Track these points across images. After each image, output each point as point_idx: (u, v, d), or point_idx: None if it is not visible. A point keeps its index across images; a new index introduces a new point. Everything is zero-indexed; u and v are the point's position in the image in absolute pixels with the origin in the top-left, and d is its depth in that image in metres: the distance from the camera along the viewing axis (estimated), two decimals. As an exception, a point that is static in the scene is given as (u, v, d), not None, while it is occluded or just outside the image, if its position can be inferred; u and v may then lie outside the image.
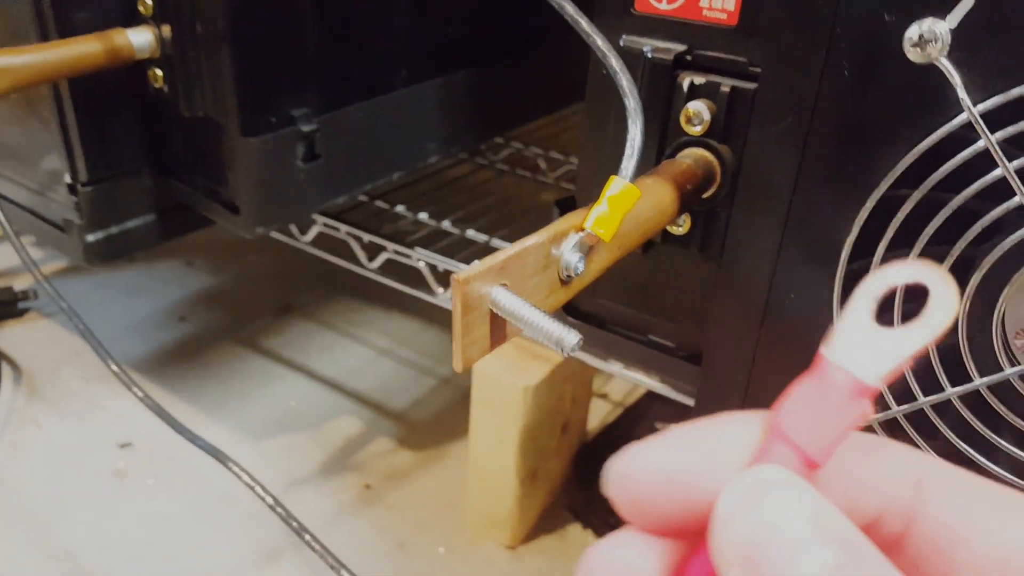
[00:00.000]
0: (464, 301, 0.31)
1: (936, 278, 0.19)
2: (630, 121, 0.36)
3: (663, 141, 0.46)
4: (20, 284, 1.09)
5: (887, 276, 0.19)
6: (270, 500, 0.66)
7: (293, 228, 0.90)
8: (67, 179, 0.70)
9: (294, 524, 0.65)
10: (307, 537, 0.65)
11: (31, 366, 1.00)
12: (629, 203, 0.35)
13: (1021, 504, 0.19)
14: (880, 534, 0.20)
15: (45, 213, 0.76)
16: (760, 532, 0.17)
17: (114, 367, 0.65)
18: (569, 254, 0.36)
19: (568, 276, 0.36)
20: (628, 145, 0.35)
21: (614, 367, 0.74)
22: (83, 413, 0.93)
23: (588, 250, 0.36)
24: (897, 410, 0.41)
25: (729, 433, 0.20)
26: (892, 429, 0.42)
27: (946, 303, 0.18)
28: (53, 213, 0.75)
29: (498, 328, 0.34)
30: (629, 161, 0.35)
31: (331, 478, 0.87)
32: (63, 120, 0.68)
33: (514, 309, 0.32)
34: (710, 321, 0.46)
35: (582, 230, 0.36)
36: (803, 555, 0.16)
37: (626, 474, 0.20)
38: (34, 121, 0.72)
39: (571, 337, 0.31)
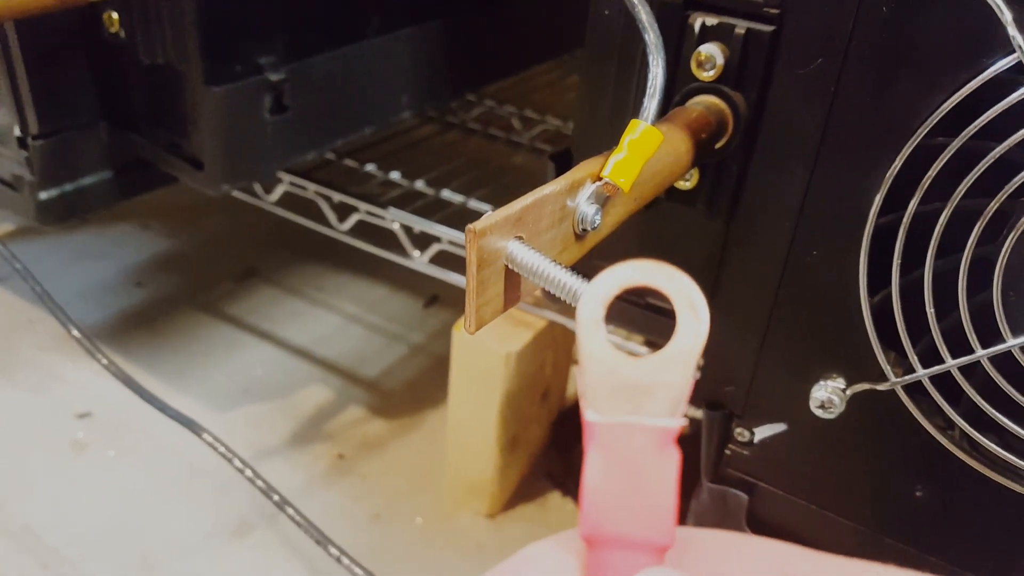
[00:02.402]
0: (479, 255, 0.28)
1: (673, 284, 0.15)
2: (651, 57, 0.33)
3: (672, 87, 0.43)
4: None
5: (603, 291, 0.16)
6: (249, 472, 0.62)
7: (257, 187, 0.85)
8: (17, 132, 0.65)
9: (275, 497, 0.61)
10: (289, 511, 0.61)
11: (-21, 334, 0.95)
12: (651, 148, 0.32)
13: None
14: None
15: (-8, 170, 0.71)
16: None
17: (75, 332, 0.60)
18: (585, 205, 0.33)
19: (583, 230, 0.33)
20: (649, 84, 0.32)
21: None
22: (39, 383, 0.88)
23: (604, 201, 0.33)
24: (923, 373, 0.38)
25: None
26: (914, 392, 0.40)
27: (688, 308, 0.15)
28: (3, 169, 0.69)
29: (512, 286, 0.30)
30: (651, 101, 0.32)
31: (302, 448, 0.83)
32: (11, 68, 0.63)
33: (533, 264, 0.29)
34: (721, 282, 0.44)
35: (599, 179, 0.33)
36: None
37: None
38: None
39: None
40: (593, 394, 0.15)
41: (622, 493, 0.15)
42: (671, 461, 0.15)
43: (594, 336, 0.15)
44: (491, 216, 0.28)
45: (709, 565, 0.17)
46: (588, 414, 0.16)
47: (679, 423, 0.15)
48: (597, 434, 0.15)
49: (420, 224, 0.76)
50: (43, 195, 0.67)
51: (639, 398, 0.15)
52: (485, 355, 0.70)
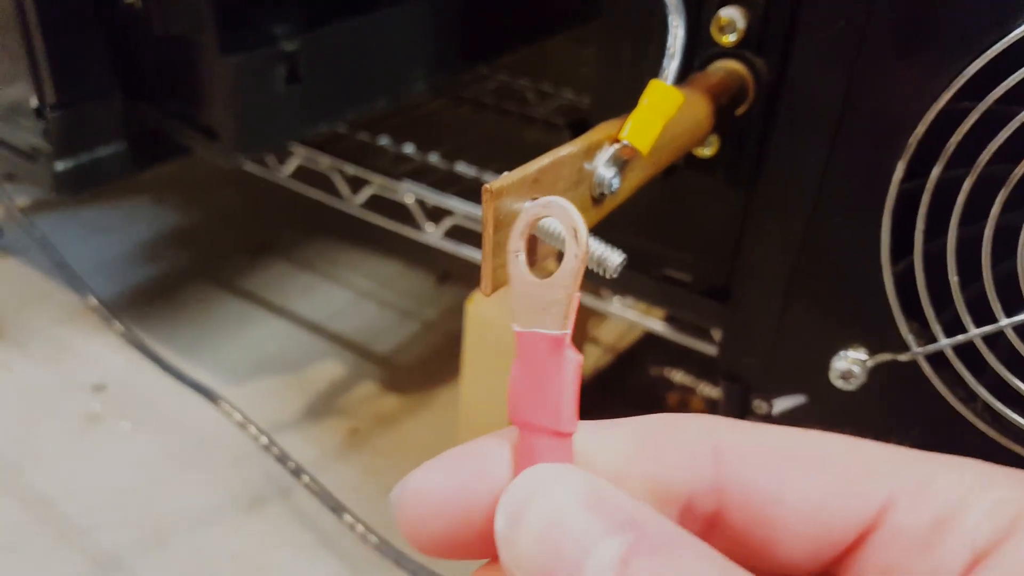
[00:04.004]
0: (495, 216, 0.27)
1: (564, 215, 0.19)
2: (670, 17, 0.32)
3: (692, 53, 0.42)
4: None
5: (519, 226, 0.20)
6: (264, 440, 0.62)
7: (270, 160, 0.85)
8: (34, 103, 0.65)
9: (290, 464, 0.61)
10: (304, 478, 0.61)
11: (-3, 307, 0.95)
12: (671, 109, 0.32)
13: (813, 446, 0.19)
14: (696, 518, 0.19)
15: (11, 140, 0.71)
16: (542, 544, 0.16)
17: (93, 300, 0.60)
18: (603, 169, 0.32)
19: (601, 194, 0.33)
20: (669, 43, 0.32)
21: (613, 306, 0.71)
22: (53, 355, 0.89)
23: (623, 165, 0.33)
24: (946, 342, 0.38)
25: (497, 444, 0.19)
26: (936, 364, 0.39)
27: (571, 234, 0.18)
28: (19, 140, 0.69)
29: (530, 248, 0.30)
30: (671, 62, 0.32)
31: (315, 423, 0.83)
32: (29, 39, 0.63)
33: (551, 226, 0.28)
34: (741, 250, 0.43)
35: (617, 141, 0.32)
36: (590, 554, 0.16)
37: (408, 496, 0.20)
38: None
39: (615, 256, 0.28)
40: (515, 310, 0.19)
41: (531, 387, 0.19)
42: (569, 363, 0.19)
43: (514, 265, 0.19)
44: (508, 176, 0.28)
45: (638, 456, 0.19)
46: (513, 326, 0.19)
47: (566, 332, 0.19)
48: (518, 341, 0.19)
49: (434, 197, 0.76)
50: (60, 166, 0.67)
51: (541, 313, 0.19)
52: (497, 331, 0.70)
